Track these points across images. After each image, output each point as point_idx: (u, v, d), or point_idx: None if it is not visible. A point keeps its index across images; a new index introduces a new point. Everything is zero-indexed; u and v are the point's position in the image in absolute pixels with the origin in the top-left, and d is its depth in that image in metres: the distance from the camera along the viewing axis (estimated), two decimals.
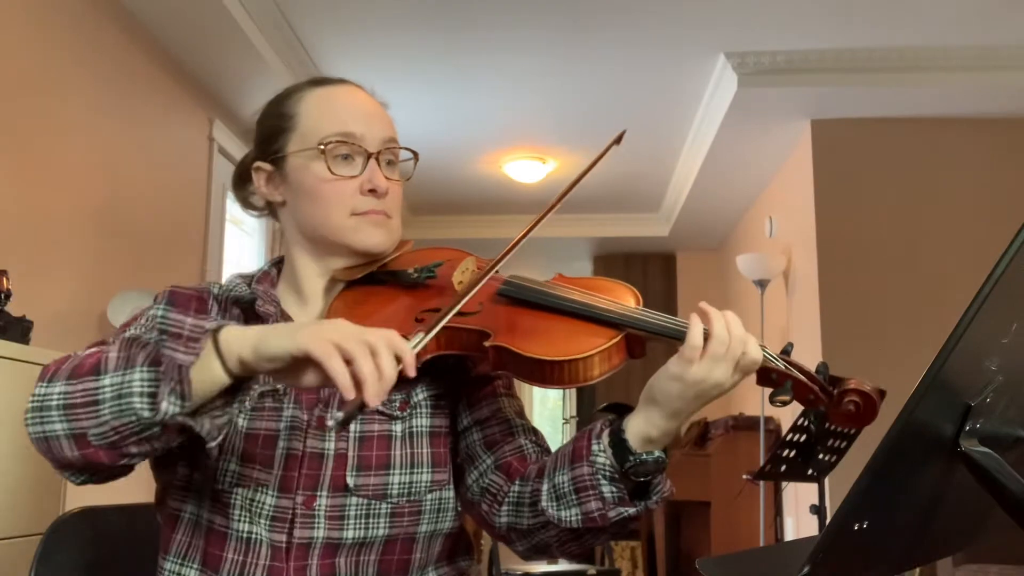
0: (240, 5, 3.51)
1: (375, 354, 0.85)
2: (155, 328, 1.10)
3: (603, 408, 1.10)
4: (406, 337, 0.92)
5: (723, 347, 0.98)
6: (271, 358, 0.87)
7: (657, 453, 1.03)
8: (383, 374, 0.84)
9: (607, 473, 1.02)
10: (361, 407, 0.84)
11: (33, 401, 0.96)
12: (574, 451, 1.06)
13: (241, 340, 0.89)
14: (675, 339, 1.02)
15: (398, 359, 0.87)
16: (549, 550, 1.13)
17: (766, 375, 1.02)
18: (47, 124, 2.93)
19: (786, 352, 1.03)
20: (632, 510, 1.03)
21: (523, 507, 1.11)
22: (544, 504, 1.06)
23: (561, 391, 8.13)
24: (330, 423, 0.87)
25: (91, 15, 3.20)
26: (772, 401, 1.01)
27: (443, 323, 0.99)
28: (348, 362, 0.84)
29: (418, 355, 1.07)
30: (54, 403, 0.93)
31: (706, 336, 0.99)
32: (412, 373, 0.88)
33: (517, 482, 1.13)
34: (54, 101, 2.97)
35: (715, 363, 0.98)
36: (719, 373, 0.99)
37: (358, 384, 0.84)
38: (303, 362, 0.86)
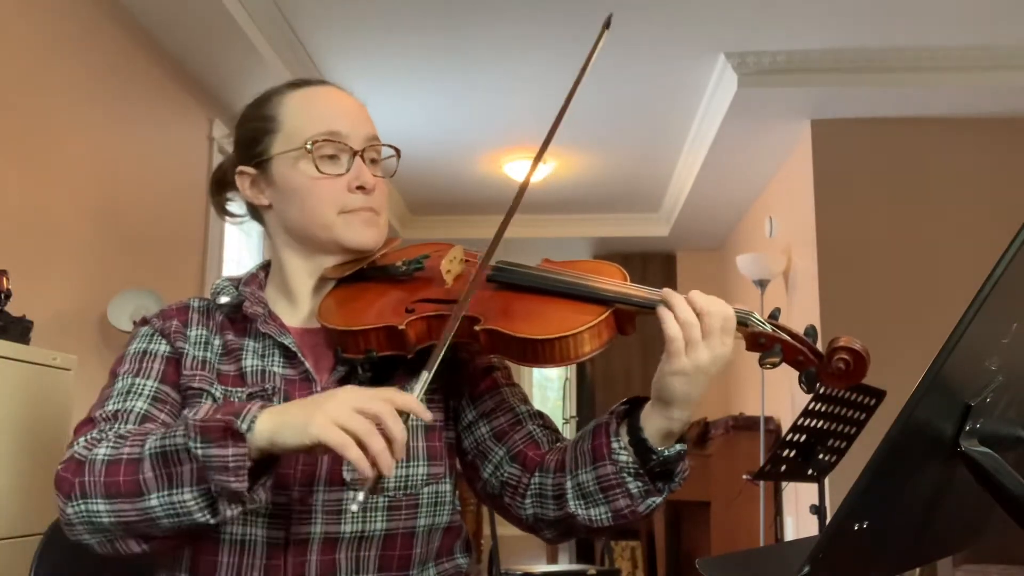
0: (240, 5, 3.51)
1: (383, 422, 0.89)
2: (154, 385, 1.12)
3: (621, 404, 1.10)
4: (406, 389, 0.97)
5: (695, 329, 0.99)
6: (286, 449, 0.92)
7: (678, 446, 1.05)
8: (394, 441, 0.89)
9: (631, 470, 1.04)
10: (379, 477, 0.89)
11: (75, 517, 0.99)
12: (594, 449, 1.06)
13: (259, 434, 0.92)
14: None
15: (404, 410, 0.91)
16: (575, 533, 1.14)
17: (755, 340, 1.03)
18: (47, 124, 2.92)
19: (773, 317, 1.04)
20: (659, 498, 1.05)
21: (547, 499, 1.11)
22: (571, 505, 1.07)
23: (561, 391, 8.13)
24: (354, 507, 0.88)
25: (91, 15, 3.19)
26: (762, 364, 1.01)
27: (441, 356, 1.00)
28: (359, 442, 0.88)
29: (411, 342, 1.09)
30: (106, 521, 0.98)
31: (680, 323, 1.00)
32: (427, 417, 0.94)
33: (536, 473, 1.13)
34: (54, 101, 2.96)
35: (698, 346, 1.00)
36: (711, 351, 1.00)
37: (373, 462, 0.88)
38: (317, 445, 0.91)
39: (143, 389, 1.11)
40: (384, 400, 0.91)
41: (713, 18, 3.75)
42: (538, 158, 1.16)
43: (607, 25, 1.10)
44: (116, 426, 1.06)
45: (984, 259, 0.80)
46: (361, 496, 0.88)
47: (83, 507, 0.98)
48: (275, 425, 0.92)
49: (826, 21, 3.76)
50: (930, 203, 4.33)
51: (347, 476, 1.08)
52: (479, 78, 4.38)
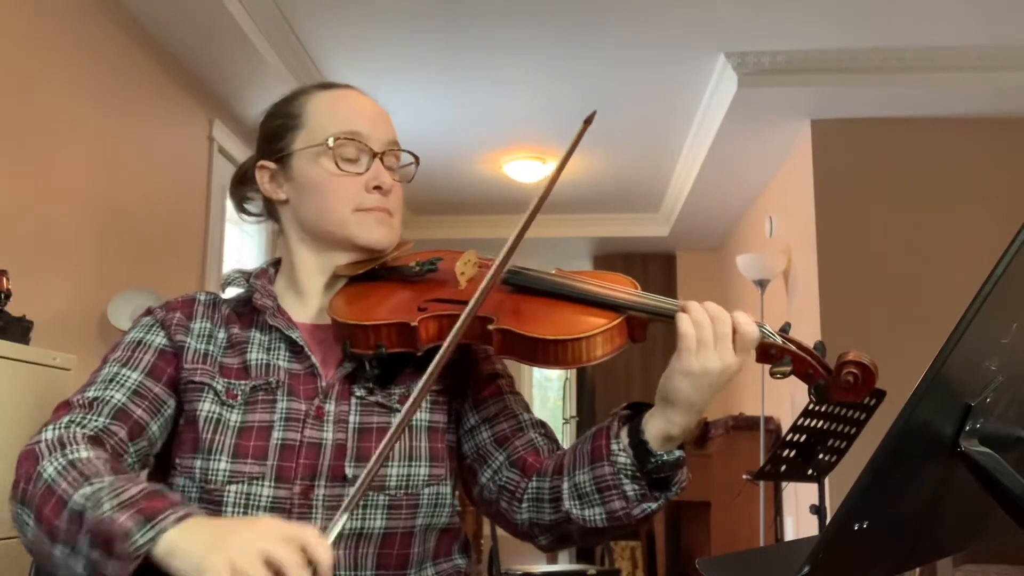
0: (240, 5, 3.51)
1: (283, 572, 0.82)
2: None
3: (623, 407, 1.11)
4: (332, 516, 0.91)
5: (708, 331, 1.01)
6: (175, 571, 0.86)
7: (677, 452, 1.05)
8: None
9: (629, 472, 1.04)
10: None
11: (11, 513, 1.00)
12: (593, 450, 1.07)
13: (160, 547, 0.86)
14: (673, 319, 1.04)
15: (314, 562, 0.84)
16: (571, 540, 1.15)
17: (765, 351, 1.05)
18: (47, 124, 2.92)
19: (784, 330, 1.07)
20: (655, 504, 1.06)
21: (543, 503, 1.12)
22: (567, 505, 1.08)
23: (561, 392, 8.13)
24: None
25: (91, 15, 3.19)
26: (772, 374, 1.04)
27: (450, 351, 0.99)
28: None
29: (422, 340, 1.09)
30: (29, 535, 0.97)
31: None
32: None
33: (534, 478, 1.14)
34: (54, 101, 2.96)
35: (709, 349, 1.01)
36: (720, 357, 1.01)
37: None
38: None
39: (126, 380, 1.11)
40: (296, 548, 0.84)
41: (713, 18, 3.74)
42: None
43: (588, 122, 1.13)
44: (89, 416, 1.06)
45: (984, 258, 0.80)
46: None
47: (18, 510, 0.98)
48: (174, 548, 0.86)
49: (826, 21, 3.76)
50: (930, 203, 4.33)
51: (349, 473, 1.09)
52: (479, 78, 4.38)
